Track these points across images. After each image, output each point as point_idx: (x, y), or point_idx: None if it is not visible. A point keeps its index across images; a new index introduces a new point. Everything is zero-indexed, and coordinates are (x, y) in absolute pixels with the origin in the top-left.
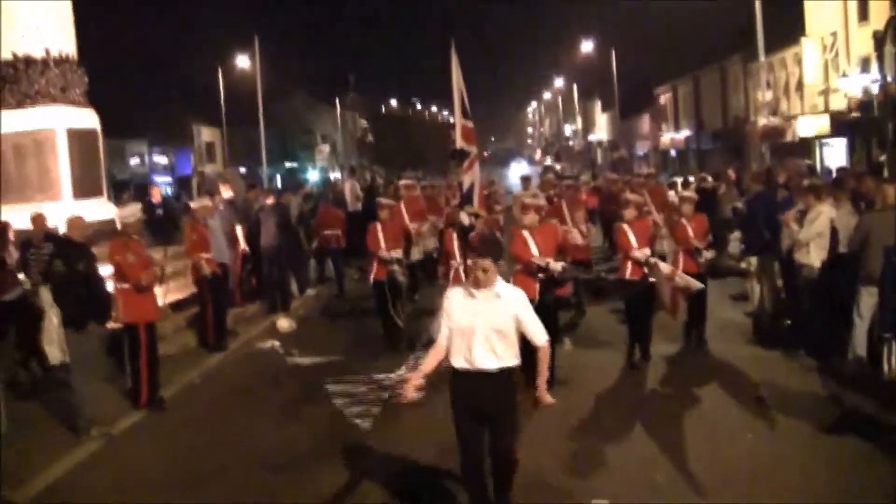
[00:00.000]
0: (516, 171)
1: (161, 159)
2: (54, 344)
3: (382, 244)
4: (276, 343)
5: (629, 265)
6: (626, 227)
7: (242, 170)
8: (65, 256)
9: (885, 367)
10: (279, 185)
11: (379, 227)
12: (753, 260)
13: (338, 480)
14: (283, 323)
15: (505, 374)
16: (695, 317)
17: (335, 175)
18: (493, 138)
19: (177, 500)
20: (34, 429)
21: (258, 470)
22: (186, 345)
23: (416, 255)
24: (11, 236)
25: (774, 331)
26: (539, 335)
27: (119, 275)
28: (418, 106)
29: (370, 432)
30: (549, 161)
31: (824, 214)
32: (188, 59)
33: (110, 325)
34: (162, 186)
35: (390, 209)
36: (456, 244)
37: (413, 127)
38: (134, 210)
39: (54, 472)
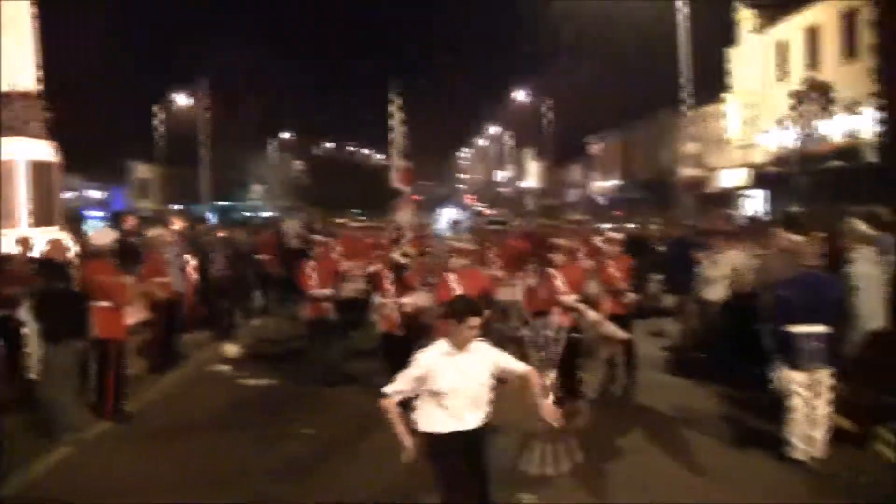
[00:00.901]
0: (446, 216)
1: (96, 194)
2: (32, 358)
3: (314, 282)
4: (226, 367)
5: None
6: (555, 272)
7: (177, 207)
8: (46, 275)
9: (772, 385)
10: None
11: (311, 265)
12: (672, 299)
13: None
14: (231, 349)
15: (488, 426)
16: (625, 359)
17: (268, 214)
18: (424, 183)
19: (145, 499)
20: (11, 436)
21: (215, 476)
22: (142, 367)
23: (347, 293)
24: None
25: (689, 362)
26: (519, 366)
27: (100, 293)
28: (352, 149)
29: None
30: (480, 207)
31: (730, 258)
32: (125, 95)
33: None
34: (95, 221)
35: (323, 247)
36: (389, 283)
37: (348, 169)
38: (111, 235)
39: (33, 471)
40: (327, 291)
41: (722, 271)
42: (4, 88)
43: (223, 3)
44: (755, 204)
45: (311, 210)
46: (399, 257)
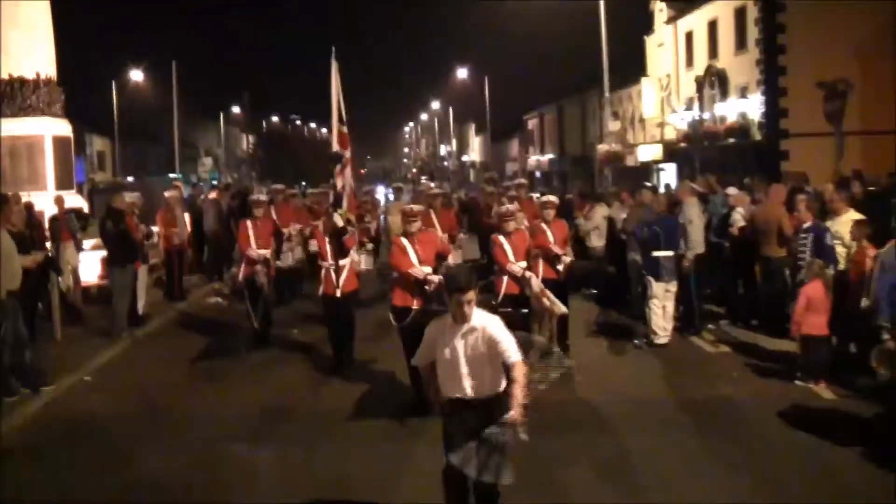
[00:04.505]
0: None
1: None
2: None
3: (252, 243)
4: (220, 299)
5: (505, 279)
6: (503, 239)
7: (130, 179)
8: (113, 219)
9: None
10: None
11: (250, 224)
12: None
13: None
14: (223, 286)
15: (494, 400)
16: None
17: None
18: (369, 157)
19: (184, 372)
20: (80, 337)
21: (229, 362)
22: (157, 297)
23: (288, 260)
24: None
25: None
26: (512, 355)
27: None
28: (298, 122)
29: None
30: (424, 179)
31: (599, 213)
32: (83, 70)
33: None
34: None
35: (264, 208)
36: (328, 246)
37: (297, 142)
38: (136, 196)
39: (101, 359)
40: (263, 252)
41: (594, 223)
42: (32, 76)
43: None
44: (669, 176)
45: (262, 182)
46: (338, 220)
